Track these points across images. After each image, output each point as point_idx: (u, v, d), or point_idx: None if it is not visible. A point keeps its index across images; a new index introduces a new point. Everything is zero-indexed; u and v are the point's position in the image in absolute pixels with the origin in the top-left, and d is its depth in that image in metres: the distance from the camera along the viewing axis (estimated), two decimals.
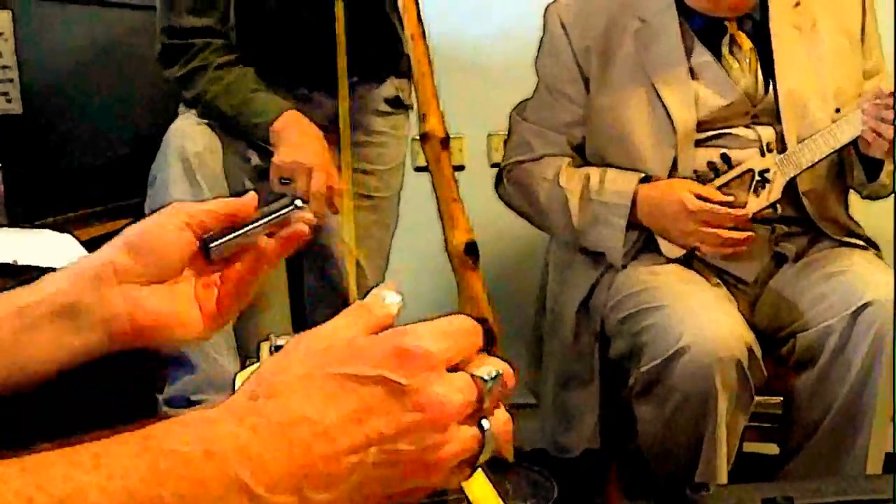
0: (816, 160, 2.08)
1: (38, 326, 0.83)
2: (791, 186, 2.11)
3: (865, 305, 1.90)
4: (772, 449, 2.15)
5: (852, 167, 2.14)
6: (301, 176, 2.07)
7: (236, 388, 0.76)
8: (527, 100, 2.32)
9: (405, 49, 2.28)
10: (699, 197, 2.07)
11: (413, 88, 2.28)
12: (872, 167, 2.09)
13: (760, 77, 2.14)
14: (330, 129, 2.19)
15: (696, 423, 1.90)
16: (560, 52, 2.22)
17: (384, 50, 2.40)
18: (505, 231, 2.47)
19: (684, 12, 2.17)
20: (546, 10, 2.26)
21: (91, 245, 1.89)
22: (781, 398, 2.09)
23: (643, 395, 1.97)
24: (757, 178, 2.07)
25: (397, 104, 2.47)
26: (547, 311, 2.32)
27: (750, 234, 2.05)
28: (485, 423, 0.62)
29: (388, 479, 0.58)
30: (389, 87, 2.45)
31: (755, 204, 2.08)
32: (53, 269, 1.67)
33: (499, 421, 0.63)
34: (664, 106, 2.12)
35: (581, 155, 2.25)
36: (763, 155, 2.10)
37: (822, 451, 1.97)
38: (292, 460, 0.56)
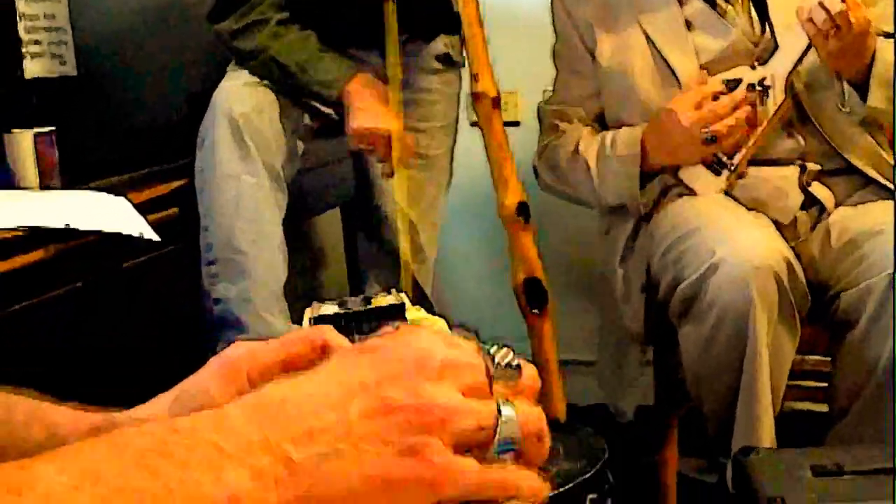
0: (804, 48, 2.08)
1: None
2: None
3: None
4: (823, 407, 2.12)
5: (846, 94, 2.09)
6: (380, 144, 2.17)
7: None
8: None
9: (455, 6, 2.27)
10: None
11: (464, 47, 2.28)
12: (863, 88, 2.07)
13: (756, 17, 2.18)
14: None
15: (736, 340, 1.86)
16: (567, 35, 2.30)
17: (434, 7, 2.39)
18: None
19: None
20: (551, 2, 2.34)
21: (144, 207, 1.92)
22: (831, 358, 2.05)
23: (683, 315, 1.96)
24: (759, 88, 2.10)
25: (448, 61, 2.45)
26: (601, 280, 2.32)
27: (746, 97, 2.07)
28: (504, 408, 0.57)
29: (383, 431, 0.53)
30: (439, 44, 2.43)
31: (765, 112, 2.10)
32: (102, 233, 1.70)
33: (525, 413, 0.58)
34: (665, 59, 2.18)
35: (602, 125, 2.30)
36: (754, 69, 2.13)
37: (868, 414, 1.92)
38: (264, 421, 0.52)
